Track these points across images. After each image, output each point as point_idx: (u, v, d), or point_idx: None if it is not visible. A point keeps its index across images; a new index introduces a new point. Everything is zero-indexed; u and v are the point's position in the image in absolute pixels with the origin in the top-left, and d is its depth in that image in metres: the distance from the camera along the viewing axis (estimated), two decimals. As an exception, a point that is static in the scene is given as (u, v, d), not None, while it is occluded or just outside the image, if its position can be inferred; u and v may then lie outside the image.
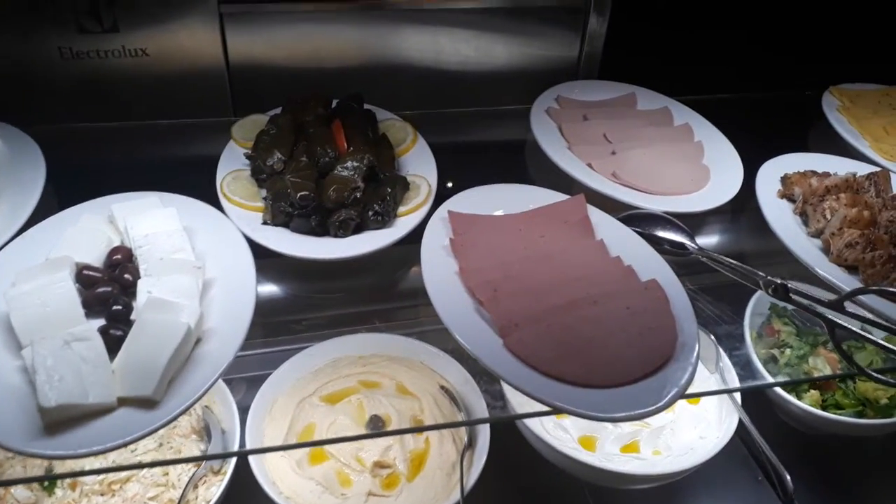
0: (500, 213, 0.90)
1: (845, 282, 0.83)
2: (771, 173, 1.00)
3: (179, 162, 1.11)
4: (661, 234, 0.89)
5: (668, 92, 1.25)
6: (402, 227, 0.86)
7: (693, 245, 0.86)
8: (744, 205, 0.98)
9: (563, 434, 1.02)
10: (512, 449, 0.96)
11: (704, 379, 1.12)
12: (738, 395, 1.06)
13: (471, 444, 0.95)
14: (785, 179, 0.99)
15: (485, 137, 1.27)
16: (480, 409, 0.91)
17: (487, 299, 0.75)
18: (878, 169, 1.01)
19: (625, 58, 1.32)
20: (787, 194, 0.97)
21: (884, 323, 0.74)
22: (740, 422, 0.95)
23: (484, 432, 0.93)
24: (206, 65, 1.13)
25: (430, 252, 0.81)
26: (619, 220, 0.89)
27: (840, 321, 0.75)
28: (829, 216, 0.91)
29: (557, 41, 1.27)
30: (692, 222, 0.96)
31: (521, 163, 1.09)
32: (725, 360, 1.11)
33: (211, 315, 0.70)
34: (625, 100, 1.18)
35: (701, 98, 1.33)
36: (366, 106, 1.06)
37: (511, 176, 1.02)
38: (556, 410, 0.66)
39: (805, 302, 0.77)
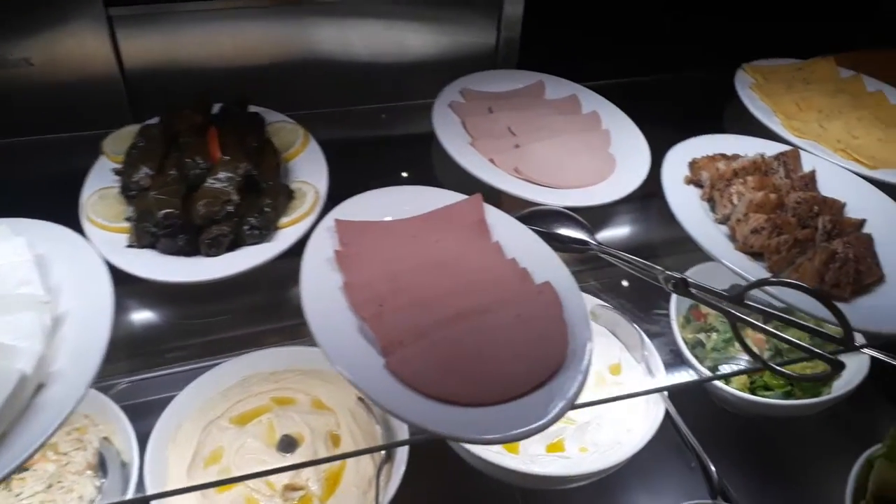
0: (393, 218, 0.84)
1: (751, 270, 0.80)
2: (679, 158, 0.97)
3: (57, 181, 1.03)
4: (562, 230, 0.84)
5: (590, 76, 1.20)
6: (283, 240, 0.80)
7: (593, 241, 0.82)
8: (653, 193, 0.94)
9: None
10: (434, 456, 0.91)
11: (632, 367, 1.10)
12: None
13: (389, 457, 0.90)
14: (692, 164, 0.95)
15: (393, 135, 1.21)
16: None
17: (371, 316, 0.70)
18: (788, 148, 0.98)
19: (544, 43, 1.28)
20: (694, 180, 0.93)
21: (782, 315, 0.71)
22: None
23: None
24: (98, 73, 1.05)
25: (313, 266, 0.75)
26: (518, 218, 0.85)
27: (742, 314, 0.72)
28: (735, 201, 0.88)
29: (473, 29, 1.22)
30: (599, 215, 0.92)
31: (426, 162, 1.04)
32: (650, 348, 1.08)
33: (59, 355, 0.64)
34: (532, 89, 1.13)
35: (618, 82, 1.30)
36: (256, 108, 0.99)
37: (415, 177, 0.97)
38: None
39: (704, 296, 0.73)
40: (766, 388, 1.14)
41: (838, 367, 0.66)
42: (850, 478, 1.01)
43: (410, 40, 1.19)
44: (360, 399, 0.94)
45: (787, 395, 1.13)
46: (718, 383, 1.10)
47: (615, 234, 0.95)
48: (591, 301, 1.01)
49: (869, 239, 0.85)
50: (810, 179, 0.92)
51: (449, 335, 0.68)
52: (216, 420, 0.95)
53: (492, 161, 0.97)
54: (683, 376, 1.02)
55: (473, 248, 0.81)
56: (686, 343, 0.98)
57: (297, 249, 0.78)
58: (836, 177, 0.95)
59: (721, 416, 1.19)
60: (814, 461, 1.21)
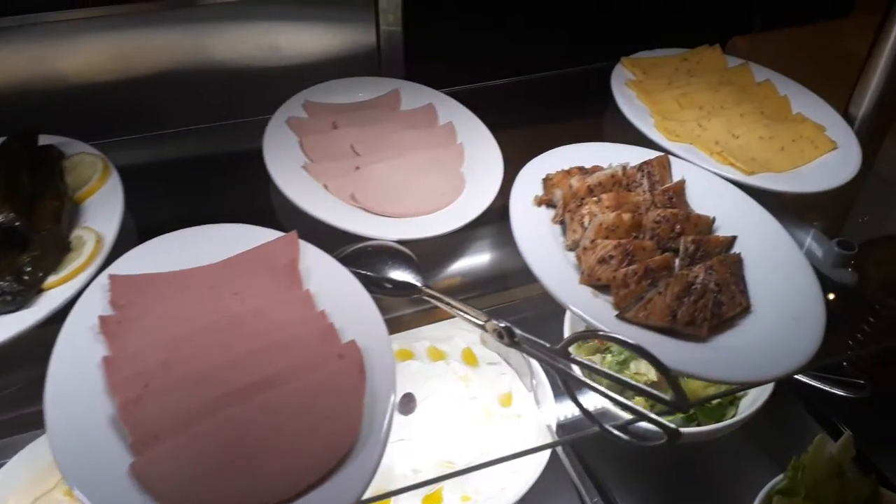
0: (195, 265, 0.72)
1: (594, 308, 0.69)
2: (536, 174, 0.86)
3: None
4: (388, 271, 0.73)
5: (472, 78, 1.12)
6: (45, 304, 0.67)
7: (419, 283, 0.71)
8: (505, 217, 0.83)
9: None
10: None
11: (524, 396, 1.01)
12: (552, 420, 0.94)
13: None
14: (546, 181, 0.84)
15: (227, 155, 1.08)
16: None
17: (126, 401, 0.58)
18: (657, 155, 0.88)
19: (427, 43, 1.17)
20: (545, 200, 0.82)
21: (607, 372, 0.61)
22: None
23: None
24: None
25: (71, 338, 0.63)
26: (341, 259, 0.73)
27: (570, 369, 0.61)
28: (587, 223, 0.77)
29: (350, 29, 1.10)
30: (437, 247, 0.81)
31: (253, 193, 0.91)
32: (539, 376, 0.99)
33: None
34: (387, 99, 1.01)
35: (495, 84, 1.19)
36: (60, 138, 0.86)
37: (247, 210, 0.85)
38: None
39: (531, 349, 0.63)
40: (669, 412, 1.06)
41: (674, 437, 0.56)
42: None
43: (282, 44, 1.07)
44: None
45: (689, 420, 1.05)
46: (614, 409, 1.01)
47: (461, 266, 0.84)
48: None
49: (737, 261, 0.75)
50: (677, 192, 0.82)
51: (217, 423, 0.57)
52: (49, 492, 0.88)
53: (326, 187, 0.85)
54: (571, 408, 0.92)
55: (278, 300, 0.69)
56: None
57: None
58: (709, 186, 0.85)
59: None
60: (722, 487, 1.13)
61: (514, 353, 1.05)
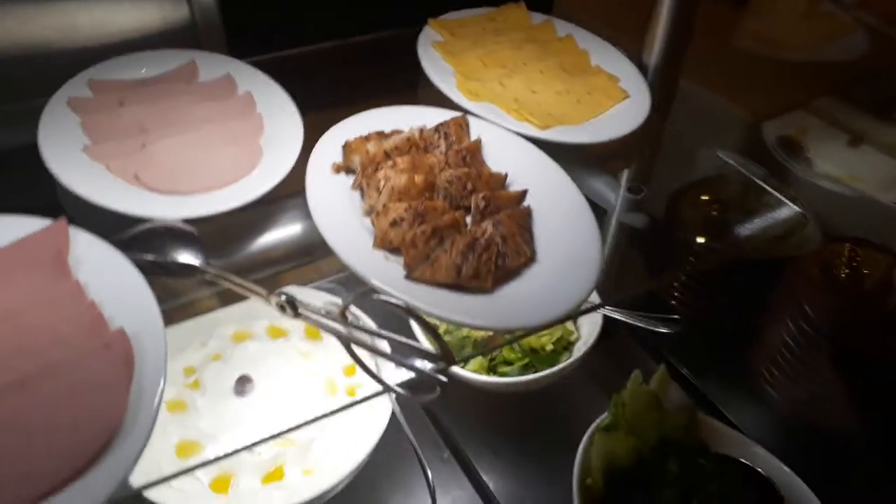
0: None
1: (386, 272, 0.69)
2: (335, 142, 0.84)
3: None
4: (170, 253, 0.70)
5: (294, 43, 1.09)
6: None
7: (201, 263, 0.68)
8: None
9: (193, 483, 0.85)
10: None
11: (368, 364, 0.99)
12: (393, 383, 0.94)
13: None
14: (345, 147, 0.83)
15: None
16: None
17: None
18: (454, 115, 0.88)
19: (244, 11, 1.11)
20: (344, 167, 0.81)
21: (384, 334, 0.61)
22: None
23: None
24: None
25: None
26: (118, 243, 0.69)
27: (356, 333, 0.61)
28: (382, 188, 0.77)
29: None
30: (234, 223, 0.79)
31: (36, 183, 0.84)
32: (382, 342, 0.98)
33: None
34: (181, 72, 0.96)
35: (310, 49, 1.16)
36: None
37: (20, 204, 0.78)
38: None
39: (314, 318, 0.62)
40: (508, 362, 1.09)
41: (441, 388, 0.57)
42: (578, 453, 0.97)
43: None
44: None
45: (526, 369, 1.08)
46: (454, 368, 1.03)
47: (264, 241, 0.82)
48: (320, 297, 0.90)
49: (525, 214, 0.77)
50: (472, 151, 0.83)
51: (-40, 431, 0.53)
52: None
53: (108, 168, 0.80)
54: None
55: (45, 294, 0.64)
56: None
57: None
58: (505, 144, 0.87)
59: (466, 400, 1.13)
60: (563, 428, 1.17)
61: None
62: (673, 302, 1.24)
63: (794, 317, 1.10)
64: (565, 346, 1.13)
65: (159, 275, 0.67)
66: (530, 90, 0.97)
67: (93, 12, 1.01)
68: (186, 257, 0.69)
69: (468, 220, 0.77)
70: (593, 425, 1.00)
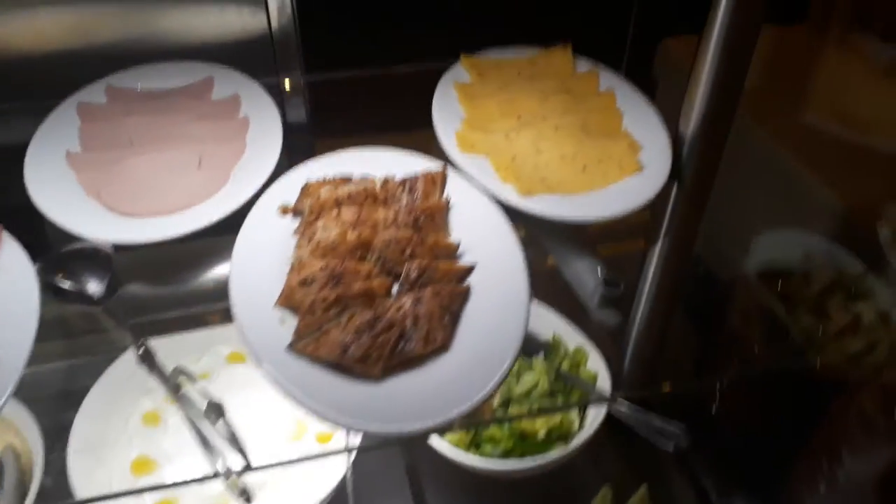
0: None
1: (276, 335, 0.64)
2: (298, 182, 0.80)
3: None
4: (80, 281, 0.69)
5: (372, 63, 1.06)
6: None
7: (98, 291, 0.67)
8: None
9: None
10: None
11: None
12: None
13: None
14: (305, 188, 0.79)
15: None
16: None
17: None
18: (429, 169, 0.81)
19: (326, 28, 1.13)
20: (292, 209, 0.77)
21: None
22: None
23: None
24: None
25: None
26: (46, 259, 0.70)
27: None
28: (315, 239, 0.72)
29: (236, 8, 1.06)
30: (164, 252, 0.77)
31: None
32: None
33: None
34: (196, 87, 0.97)
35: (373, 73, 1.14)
36: None
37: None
38: None
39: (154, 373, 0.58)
40: (493, 440, 1.01)
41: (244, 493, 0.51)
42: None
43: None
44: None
45: (511, 452, 0.99)
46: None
47: (195, 276, 0.80)
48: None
49: (455, 293, 0.69)
50: (432, 212, 0.76)
51: None
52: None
53: (76, 179, 0.81)
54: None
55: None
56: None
57: None
58: (476, 208, 0.79)
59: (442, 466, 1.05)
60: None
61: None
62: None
63: (831, 458, 0.93)
64: (561, 435, 1.01)
65: (62, 300, 0.66)
66: (535, 148, 0.87)
67: (173, 16, 1.04)
68: (95, 285, 0.68)
69: (395, 291, 0.70)
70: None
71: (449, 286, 0.69)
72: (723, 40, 0.80)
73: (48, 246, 0.74)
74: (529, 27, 1.09)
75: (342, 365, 0.62)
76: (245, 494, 0.52)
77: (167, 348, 0.82)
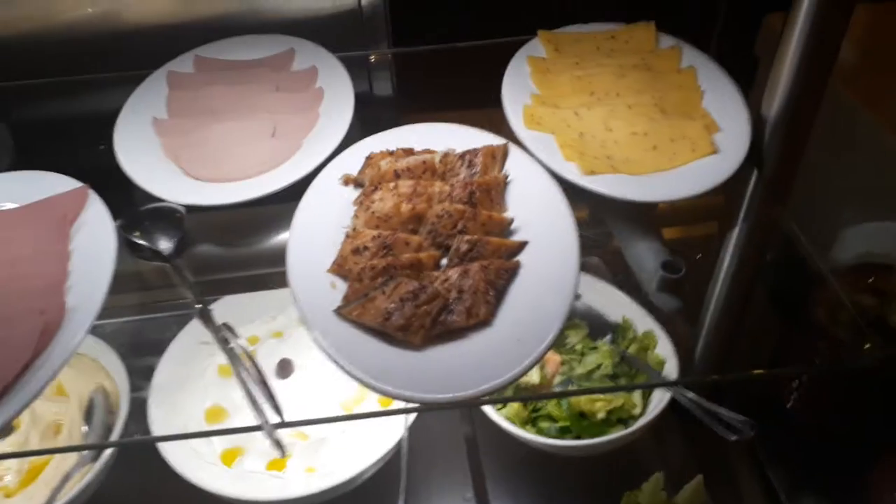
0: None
1: (327, 299, 0.67)
2: (363, 152, 0.82)
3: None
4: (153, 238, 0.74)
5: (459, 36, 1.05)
6: None
7: (168, 249, 0.72)
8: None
9: (205, 448, 0.92)
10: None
11: None
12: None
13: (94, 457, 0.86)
14: (368, 159, 0.81)
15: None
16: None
17: None
18: (492, 143, 0.81)
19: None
20: (354, 180, 0.79)
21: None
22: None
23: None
24: None
25: None
26: (128, 216, 0.75)
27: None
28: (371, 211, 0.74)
29: None
30: (232, 217, 0.81)
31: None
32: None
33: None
34: (278, 59, 1.01)
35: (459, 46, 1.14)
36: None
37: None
38: None
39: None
40: (550, 418, 1.01)
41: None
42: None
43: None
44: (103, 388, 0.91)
45: (567, 431, 0.99)
46: (487, 408, 0.98)
47: (263, 240, 0.83)
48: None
49: (503, 269, 0.69)
50: (487, 187, 0.76)
51: None
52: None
53: (161, 145, 0.87)
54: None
55: (38, 249, 0.73)
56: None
57: None
58: (536, 184, 0.78)
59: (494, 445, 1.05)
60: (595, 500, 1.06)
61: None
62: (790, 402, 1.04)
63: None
64: (621, 418, 0.99)
65: (138, 255, 0.72)
66: (606, 126, 0.85)
67: None
68: (167, 240, 0.72)
69: (444, 263, 0.70)
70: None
71: (498, 261, 0.69)
72: (812, 17, 0.75)
73: (130, 206, 0.79)
74: (620, 3, 1.05)
75: (385, 332, 0.63)
76: (280, 447, 0.55)
77: (246, 306, 0.86)
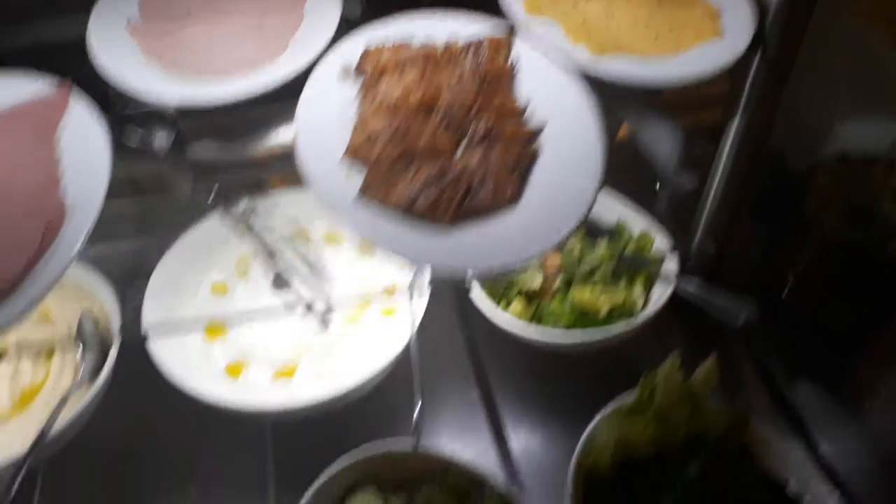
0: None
1: (343, 186, 0.64)
2: (359, 46, 0.78)
3: None
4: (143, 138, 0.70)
5: None
6: None
7: (164, 148, 0.67)
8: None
9: (208, 364, 0.89)
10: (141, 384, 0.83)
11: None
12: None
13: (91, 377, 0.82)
14: (365, 52, 0.77)
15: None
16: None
17: None
18: (498, 31, 0.78)
19: None
20: (354, 73, 0.75)
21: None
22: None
23: (108, 364, 0.82)
24: None
25: None
26: (117, 117, 0.70)
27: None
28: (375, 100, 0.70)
29: None
30: (228, 118, 0.77)
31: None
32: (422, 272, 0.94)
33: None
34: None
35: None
36: None
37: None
38: None
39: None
40: (554, 315, 1.00)
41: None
42: (587, 431, 0.87)
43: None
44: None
45: (573, 325, 0.99)
46: (492, 305, 0.98)
47: (261, 140, 0.79)
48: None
49: (523, 152, 0.67)
50: (497, 74, 0.73)
51: None
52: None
53: (139, 46, 0.81)
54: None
55: (22, 153, 0.67)
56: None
57: None
58: (545, 70, 0.76)
59: (501, 345, 1.05)
60: (602, 396, 1.06)
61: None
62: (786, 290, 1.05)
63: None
64: (624, 314, 1.00)
65: (131, 157, 0.67)
66: (607, 14, 0.83)
67: None
68: (157, 143, 0.68)
69: (461, 149, 0.68)
70: (611, 404, 0.88)
71: (517, 147, 0.67)
72: None
73: (113, 110, 0.74)
74: None
75: (412, 213, 0.61)
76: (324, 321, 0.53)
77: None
